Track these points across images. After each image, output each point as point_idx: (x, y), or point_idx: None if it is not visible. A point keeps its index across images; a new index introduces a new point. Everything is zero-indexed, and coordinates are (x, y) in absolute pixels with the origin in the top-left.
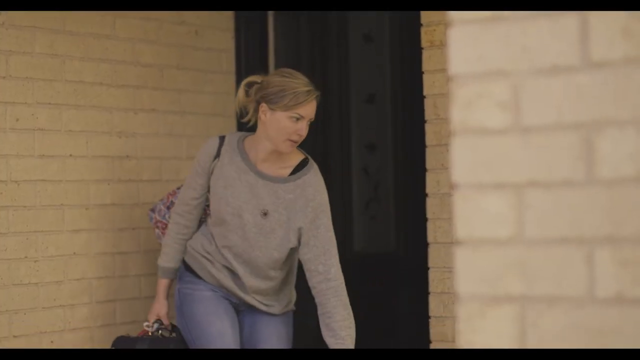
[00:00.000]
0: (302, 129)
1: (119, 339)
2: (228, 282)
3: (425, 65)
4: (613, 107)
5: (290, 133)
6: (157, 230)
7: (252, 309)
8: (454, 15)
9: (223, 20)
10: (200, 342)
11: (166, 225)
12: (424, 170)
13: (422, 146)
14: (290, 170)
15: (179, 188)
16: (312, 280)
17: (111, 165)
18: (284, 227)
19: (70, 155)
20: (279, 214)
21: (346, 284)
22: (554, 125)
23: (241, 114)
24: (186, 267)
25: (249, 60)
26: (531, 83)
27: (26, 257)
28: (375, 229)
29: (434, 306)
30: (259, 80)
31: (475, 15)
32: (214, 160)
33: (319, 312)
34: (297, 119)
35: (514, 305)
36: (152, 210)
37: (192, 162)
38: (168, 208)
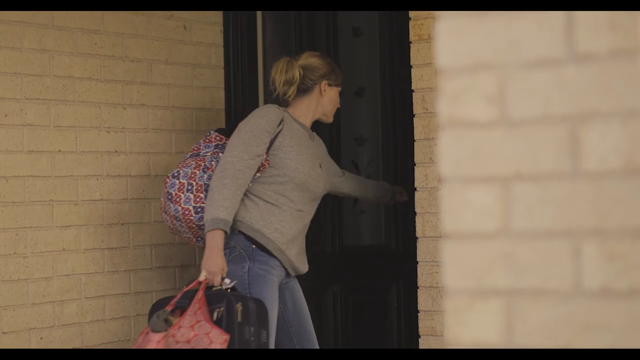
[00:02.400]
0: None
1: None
2: (292, 252)
3: (414, 59)
4: (599, 99)
5: (337, 105)
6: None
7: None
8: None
9: (211, 15)
10: None
11: (204, 188)
12: (413, 164)
13: (410, 140)
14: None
15: (195, 167)
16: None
17: (100, 161)
18: (327, 175)
19: (59, 150)
20: (325, 165)
21: (336, 278)
22: (540, 118)
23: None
24: (259, 246)
25: (238, 54)
26: (517, 76)
27: (15, 253)
28: (365, 223)
29: (423, 300)
30: (301, 63)
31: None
32: (279, 125)
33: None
34: None
35: (501, 298)
36: (176, 197)
37: (246, 125)
38: (204, 170)
